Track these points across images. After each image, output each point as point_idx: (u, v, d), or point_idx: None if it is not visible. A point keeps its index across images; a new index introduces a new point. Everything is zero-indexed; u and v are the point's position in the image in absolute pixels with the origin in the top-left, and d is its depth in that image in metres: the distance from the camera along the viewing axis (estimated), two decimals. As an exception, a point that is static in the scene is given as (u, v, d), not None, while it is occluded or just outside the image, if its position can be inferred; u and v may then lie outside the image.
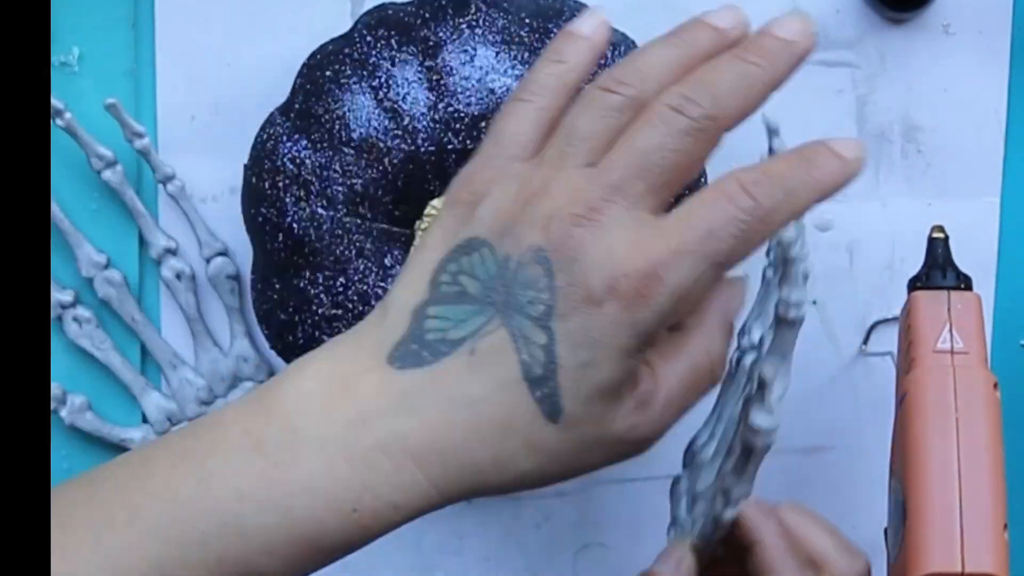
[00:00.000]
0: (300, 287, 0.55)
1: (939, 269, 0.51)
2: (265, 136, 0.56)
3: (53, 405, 0.63)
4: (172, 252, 0.63)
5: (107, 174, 0.62)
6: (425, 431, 0.40)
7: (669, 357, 0.42)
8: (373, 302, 0.54)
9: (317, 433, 0.40)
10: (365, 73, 0.55)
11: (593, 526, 0.66)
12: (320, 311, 0.55)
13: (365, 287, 0.55)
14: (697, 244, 0.40)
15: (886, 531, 0.52)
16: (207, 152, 0.63)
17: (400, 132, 0.54)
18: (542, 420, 0.40)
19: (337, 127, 0.54)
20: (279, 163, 0.55)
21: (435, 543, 0.66)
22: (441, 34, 0.55)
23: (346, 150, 0.54)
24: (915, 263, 0.64)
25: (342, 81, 0.55)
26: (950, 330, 0.49)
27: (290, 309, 0.55)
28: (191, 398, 0.63)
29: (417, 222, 0.55)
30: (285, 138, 0.55)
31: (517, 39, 0.55)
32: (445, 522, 0.65)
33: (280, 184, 0.55)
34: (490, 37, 0.55)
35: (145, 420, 0.64)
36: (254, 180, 0.56)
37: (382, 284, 0.55)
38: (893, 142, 0.63)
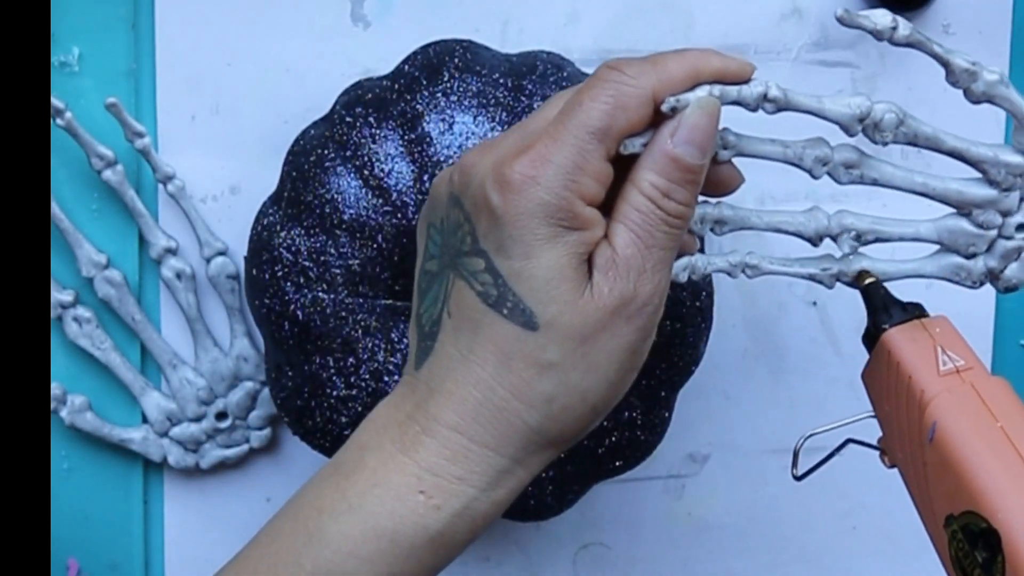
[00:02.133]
0: (312, 372, 0.55)
1: (889, 309, 0.50)
2: (259, 227, 0.57)
3: (53, 405, 0.63)
4: (172, 252, 0.63)
5: (107, 174, 0.62)
6: (448, 400, 0.43)
7: (614, 213, 0.43)
8: (385, 378, 0.55)
9: (378, 441, 0.43)
10: (348, 154, 0.55)
11: (593, 526, 0.66)
12: (335, 393, 0.55)
13: (376, 364, 0.55)
14: (572, 119, 0.41)
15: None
16: (207, 152, 0.63)
17: (389, 208, 0.55)
18: (525, 333, 0.42)
19: (327, 211, 0.55)
20: (275, 253, 0.55)
21: (435, 543, 0.66)
22: (418, 106, 0.55)
23: (339, 232, 0.55)
24: (915, 263, 0.64)
25: (326, 165, 0.55)
26: (943, 352, 0.48)
27: (306, 394, 0.56)
28: (191, 398, 0.63)
29: None
30: (279, 227, 0.56)
31: (493, 100, 0.55)
32: (445, 522, 0.65)
33: (279, 273, 0.55)
34: (466, 102, 0.55)
35: (145, 420, 0.64)
36: (254, 272, 0.56)
37: (392, 360, 0.55)
38: (893, 142, 0.63)
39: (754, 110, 0.45)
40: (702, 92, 0.43)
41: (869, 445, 0.51)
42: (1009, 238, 0.49)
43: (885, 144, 0.47)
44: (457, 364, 0.43)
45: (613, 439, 0.56)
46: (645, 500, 0.66)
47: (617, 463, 0.57)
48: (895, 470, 0.50)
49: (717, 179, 0.46)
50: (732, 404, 0.65)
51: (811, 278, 0.51)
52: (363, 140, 0.55)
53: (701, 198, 0.46)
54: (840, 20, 0.45)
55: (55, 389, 0.63)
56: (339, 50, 0.62)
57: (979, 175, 0.48)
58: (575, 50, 0.62)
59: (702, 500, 0.66)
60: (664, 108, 0.43)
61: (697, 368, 0.57)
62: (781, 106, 0.46)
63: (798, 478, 0.53)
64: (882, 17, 0.46)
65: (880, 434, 0.50)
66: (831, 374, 0.65)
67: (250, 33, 0.62)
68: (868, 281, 0.50)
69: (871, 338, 0.50)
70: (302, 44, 0.62)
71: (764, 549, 0.66)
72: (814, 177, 0.48)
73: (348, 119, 0.56)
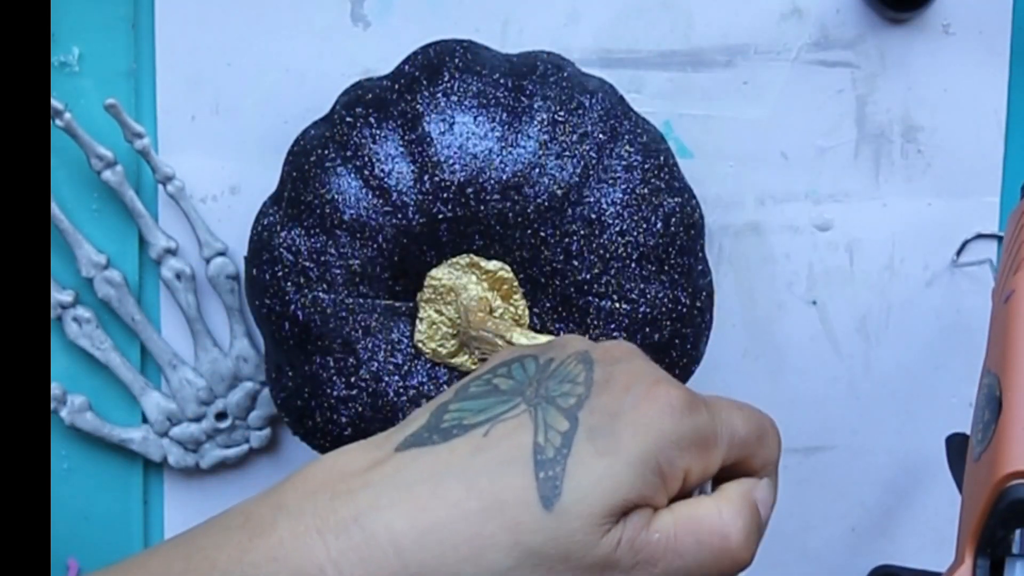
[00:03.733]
0: (312, 372, 0.55)
1: None
2: (260, 227, 0.57)
3: (53, 405, 0.63)
4: (172, 252, 0.63)
5: (107, 174, 0.62)
6: (409, 504, 0.38)
7: (684, 515, 0.40)
8: (385, 378, 0.55)
9: (299, 506, 0.39)
10: (348, 154, 0.55)
11: (593, 526, 0.66)
12: (335, 393, 0.55)
13: (376, 364, 0.55)
14: (755, 426, 0.41)
15: (953, 434, 0.53)
16: (207, 152, 0.63)
17: (390, 208, 0.55)
18: (535, 502, 0.37)
19: (328, 211, 0.55)
20: (276, 253, 0.55)
21: (435, 543, 0.66)
22: (418, 106, 0.55)
23: (339, 233, 0.55)
24: (915, 263, 0.64)
25: (327, 165, 0.55)
26: None
27: (306, 395, 0.56)
28: (191, 398, 0.63)
29: (418, 294, 0.56)
30: (279, 227, 0.56)
31: (494, 101, 0.55)
32: (445, 522, 0.65)
33: (279, 273, 0.55)
34: (466, 102, 0.55)
35: (145, 420, 0.64)
36: (254, 272, 0.56)
37: (392, 360, 0.55)
38: (893, 142, 0.63)
39: None
40: None
41: None
42: None
43: None
44: (439, 480, 0.38)
45: None
46: (645, 500, 0.66)
47: None
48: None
49: None
50: (732, 404, 0.65)
51: None
52: (363, 140, 0.55)
53: None
54: None
55: (55, 389, 0.63)
56: (339, 50, 0.62)
57: None
58: (575, 50, 0.62)
59: (702, 500, 0.66)
60: None
61: (697, 368, 0.57)
62: None
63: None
64: None
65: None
66: (831, 374, 0.65)
67: (250, 33, 0.62)
68: None
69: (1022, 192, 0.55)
70: (302, 44, 0.62)
71: (764, 549, 0.66)
72: None
73: (348, 119, 0.56)
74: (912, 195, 0.64)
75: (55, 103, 0.60)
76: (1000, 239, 0.63)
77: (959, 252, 0.63)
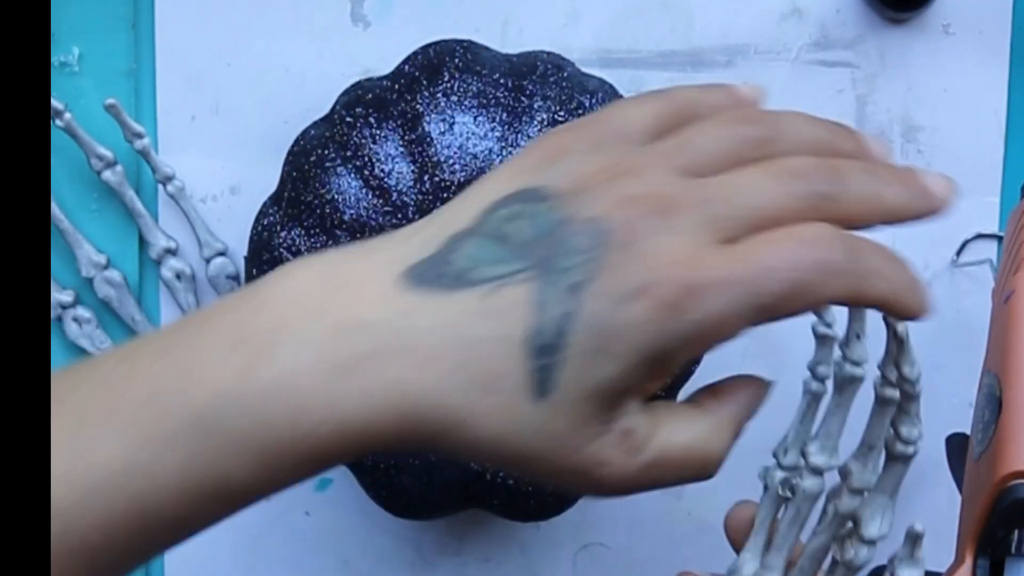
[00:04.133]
0: None
1: None
2: (260, 227, 0.57)
3: (53, 405, 0.63)
4: (172, 252, 0.63)
5: (107, 174, 0.62)
6: (410, 357, 0.37)
7: (672, 424, 0.39)
8: None
9: (302, 329, 0.37)
10: (348, 154, 0.55)
11: (593, 526, 0.66)
12: None
13: None
14: (749, 276, 0.37)
15: (953, 434, 0.53)
16: (207, 152, 0.63)
17: (390, 208, 0.54)
18: (528, 392, 0.37)
19: (328, 211, 0.55)
20: (276, 253, 0.55)
21: (434, 543, 0.66)
22: (418, 106, 0.55)
23: (340, 233, 0.55)
24: (915, 263, 0.64)
25: (327, 165, 0.55)
26: None
27: None
28: (191, 398, 0.63)
29: None
30: (279, 227, 0.56)
31: (494, 101, 0.55)
32: (445, 522, 0.65)
33: None
34: (467, 102, 0.55)
35: (145, 420, 0.64)
36: (254, 272, 0.56)
37: None
38: (893, 142, 0.63)
39: None
40: None
41: None
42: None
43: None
44: (440, 338, 0.37)
45: None
46: (645, 500, 0.66)
47: None
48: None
49: None
50: (732, 404, 0.65)
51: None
52: (363, 140, 0.55)
53: None
54: None
55: (55, 389, 0.63)
56: (339, 50, 0.62)
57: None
58: (575, 50, 0.62)
59: (702, 500, 0.66)
60: None
61: (697, 368, 0.57)
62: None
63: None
64: None
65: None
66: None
67: (250, 33, 0.62)
68: None
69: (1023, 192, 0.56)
70: (302, 44, 0.62)
71: (764, 549, 0.66)
72: None
73: (348, 119, 0.56)
74: (912, 195, 0.64)
75: (55, 103, 0.60)
76: (1000, 239, 0.63)
77: (959, 252, 0.63)
